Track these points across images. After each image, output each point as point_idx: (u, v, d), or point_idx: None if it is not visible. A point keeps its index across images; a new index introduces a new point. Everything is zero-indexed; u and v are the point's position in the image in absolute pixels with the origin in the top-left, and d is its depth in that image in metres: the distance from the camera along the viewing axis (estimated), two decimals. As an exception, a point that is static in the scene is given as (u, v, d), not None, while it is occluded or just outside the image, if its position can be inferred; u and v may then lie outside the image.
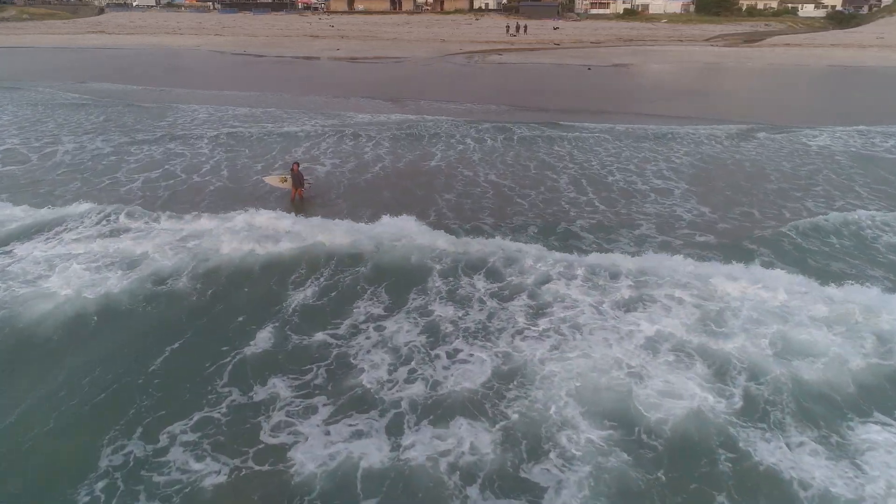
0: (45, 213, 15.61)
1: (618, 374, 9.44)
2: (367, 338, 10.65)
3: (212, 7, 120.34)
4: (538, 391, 9.17)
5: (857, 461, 8.00)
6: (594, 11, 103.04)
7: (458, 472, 7.79)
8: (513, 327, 10.87)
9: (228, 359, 10.03)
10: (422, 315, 11.33)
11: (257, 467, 7.93)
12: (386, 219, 14.98)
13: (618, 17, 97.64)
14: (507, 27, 78.02)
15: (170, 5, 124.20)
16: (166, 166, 20.82)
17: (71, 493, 7.51)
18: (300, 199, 17.35)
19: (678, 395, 8.93)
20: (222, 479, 7.74)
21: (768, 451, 8.03)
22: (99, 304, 11.48)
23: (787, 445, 8.18)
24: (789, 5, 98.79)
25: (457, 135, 25.03)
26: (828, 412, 8.85)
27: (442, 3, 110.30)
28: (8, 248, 13.74)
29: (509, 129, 25.88)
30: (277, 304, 11.72)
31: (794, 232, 15.01)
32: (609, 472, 7.74)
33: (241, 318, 11.25)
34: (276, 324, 11.02)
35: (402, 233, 14.28)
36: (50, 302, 11.40)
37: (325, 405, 9.00)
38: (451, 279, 12.55)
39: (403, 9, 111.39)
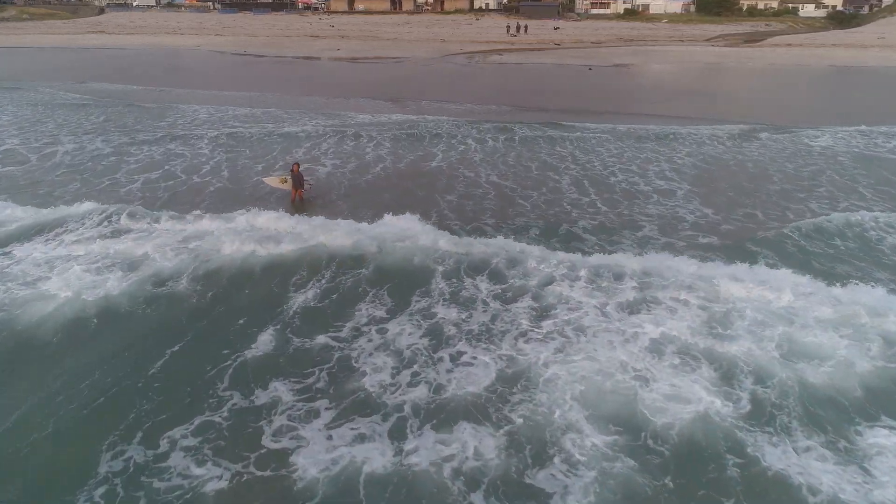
0: (46, 214, 15.51)
1: (623, 378, 9.35)
2: (370, 340, 10.55)
3: (212, 7, 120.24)
4: (542, 394, 9.07)
5: (866, 466, 7.91)
6: (594, 11, 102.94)
7: (462, 478, 7.69)
8: (516, 329, 10.78)
9: (229, 362, 9.94)
10: (424, 317, 11.23)
11: (259, 472, 7.83)
12: (388, 217, 14.90)
13: (618, 17, 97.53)
14: (508, 27, 77.93)
15: (170, 5, 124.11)
16: (166, 167, 20.73)
17: (70, 499, 7.41)
18: (300, 200, 17.26)
19: (685, 399, 8.83)
20: (223, 484, 7.64)
21: (776, 457, 7.93)
22: (99, 306, 11.39)
23: (795, 450, 8.08)
24: (790, 5, 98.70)
25: (458, 135, 24.94)
26: (835, 416, 8.76)
27: (442, 3, 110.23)
28: (7, 250, 13.64)
29: (511, 130, 25.79)
30: (279, 305, 11.63)
31: (797, 233, 14.92)
32: (615, 478, 7.65)
33: (242, 321, 11.16)
34: (278, 326, 10.93)
35: (405, 233, 14.20)
36: (49, 304, 11.31)
37: (327, 409, 8.91)
38: (453, 280, 12.46)
39: (404, 9, 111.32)
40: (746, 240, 14.79)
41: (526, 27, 77.58)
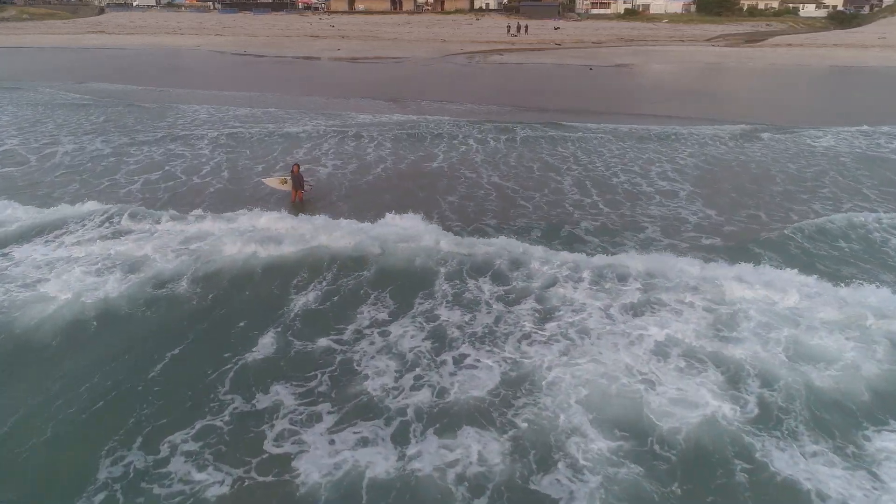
0: (46, 215, 15.40)
1: (628, 381, 9.25)
2: (372, 343, 10.46)
3: (212, 7, 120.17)
4: (547, 398, 8.97)
5: (874, 470, 7.81)
6: (595, 11, 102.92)
7: (465, 483, 7.59)
8: (520, 332, 10.68)
9: (230, 365, 9.84)
10: (427, 319, 11.13)
11: (261, 477, 7.74)
12: (390, 217, 14.83)
13: (619, 17, 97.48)
14: (508, 27, 77.88)
15: (170, 5, 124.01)
16: (166, 167, 20.64)
17: (69, 504, 7.32)
18: (300, 201, 17.17)
19: (691, 403, 8.73)
20: (225, 489, 7.55)
21: (784, 462, 7.83)
22: (98, 308, 11.28)
23: (803, 455, 7.98)
24: (790, 5, 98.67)
25: (459, 135, 24.85)
26: (842, 420, 8.67)
27: (442, 3, 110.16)
28: (7, 251, 13.54)
29: (512, 130, 25.70)
30: (280, 308, 11.53)
31: (800, 235, 14.82)
32: (620, 484, 7.55)
33: (243, 323, 11.06)
34: (279, 329, 10.83)
35: (407, 234, 14.10)
36: (49, 306, 11.20)
37: (329, 413, 8.81)
38: (456, 282, 12.36)
39: (404, 9, 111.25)
40: (750, 241, 14.69)
41: (526, 27, 77.52)
